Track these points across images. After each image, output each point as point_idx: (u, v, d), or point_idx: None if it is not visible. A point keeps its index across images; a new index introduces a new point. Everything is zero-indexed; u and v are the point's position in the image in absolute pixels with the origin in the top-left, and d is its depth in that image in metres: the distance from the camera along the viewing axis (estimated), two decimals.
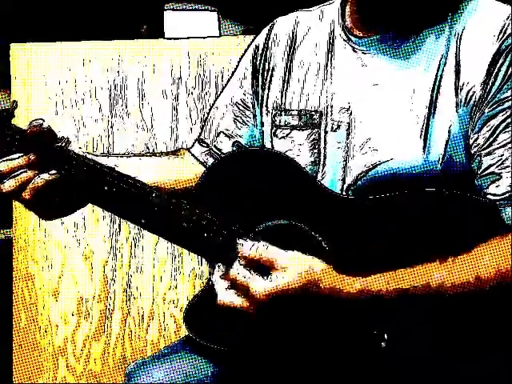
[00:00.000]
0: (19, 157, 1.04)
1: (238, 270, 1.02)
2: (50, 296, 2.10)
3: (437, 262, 0.99)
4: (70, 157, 1.06)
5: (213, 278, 1.06)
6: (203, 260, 2.07)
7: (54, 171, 1.05)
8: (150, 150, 2.06)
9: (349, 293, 1.00)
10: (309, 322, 1.04)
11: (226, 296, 1.03)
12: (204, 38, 2.13)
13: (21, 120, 2.03)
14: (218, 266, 1.06)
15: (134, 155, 1.28)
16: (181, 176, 1.27)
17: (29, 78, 2.07)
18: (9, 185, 1.04)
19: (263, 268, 1.02)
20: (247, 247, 1.03)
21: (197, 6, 2.94)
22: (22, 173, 1.04)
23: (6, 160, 1.04)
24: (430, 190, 1.05)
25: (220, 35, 2.88)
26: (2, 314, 2.21)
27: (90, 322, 2.10)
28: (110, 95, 2.07)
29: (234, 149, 1.28)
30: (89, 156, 1.09)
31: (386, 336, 1.02)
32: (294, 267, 1.00)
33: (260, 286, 1.00)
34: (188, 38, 2.15)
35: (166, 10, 2.92)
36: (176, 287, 2.08)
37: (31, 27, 2.76)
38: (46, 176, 1.04)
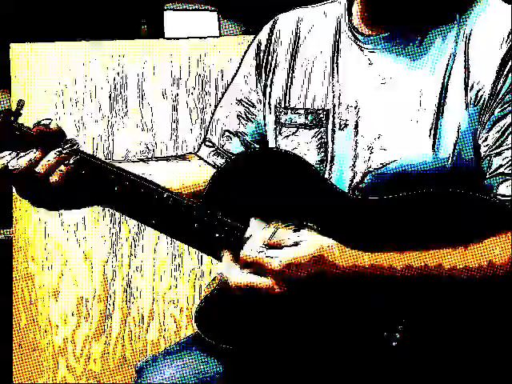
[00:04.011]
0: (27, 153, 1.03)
1: (251, 249, 1.00)
2: (50, 296, 2.10)
3: (450, 248, 1.00)
4: (80, 156, 1.05)
5: (220, 267, 1.03)
6: (203, 260, 2.07)
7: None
8: (150, 150, 2.06)
9: (362, 266, 1.00)
10: (322, 303, 1.03)
11: (242, 277, 1.00)
12: (204, 38, 2.13)
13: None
14: (225, 253, 1.04)
15: (141, 160, 1.27)
16: (189, 179, 1.25)
17: (29, 78, 2.06)
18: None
19: (275, 247, 1.00)
20: (259, 227, 1.02)
21: (197, 6, 2.94)
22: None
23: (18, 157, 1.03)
24: (439, 189, 1.05)
25: (220, 35, 2.88)
26: (2, 314, 2.21)
27: (89, 322, 2.10)
28: (110, 95, 2.07)
29: (241, 147, 1.27)
30: (96, 157, 1.08)
31: (397, 335, 1.02)
32: (307, 242, 1.00)
33: (276, 257, 0.99)
34: (188, 37, 2.15)
35: (166, 9, 2.92)
36: (176, 287, 2.08)
37: (31, 27, 2.76)
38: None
